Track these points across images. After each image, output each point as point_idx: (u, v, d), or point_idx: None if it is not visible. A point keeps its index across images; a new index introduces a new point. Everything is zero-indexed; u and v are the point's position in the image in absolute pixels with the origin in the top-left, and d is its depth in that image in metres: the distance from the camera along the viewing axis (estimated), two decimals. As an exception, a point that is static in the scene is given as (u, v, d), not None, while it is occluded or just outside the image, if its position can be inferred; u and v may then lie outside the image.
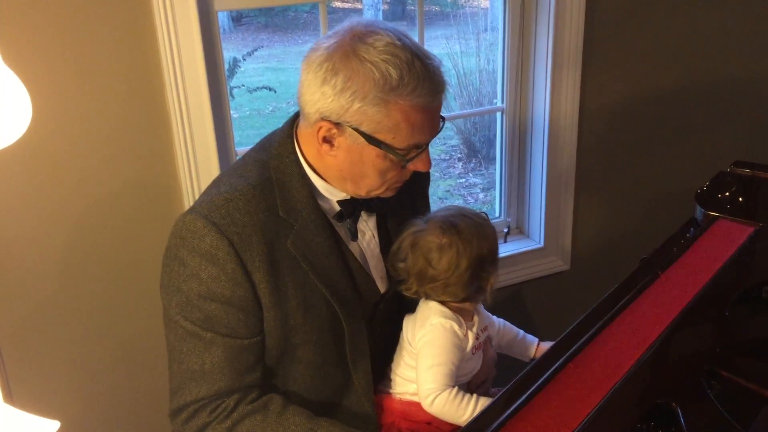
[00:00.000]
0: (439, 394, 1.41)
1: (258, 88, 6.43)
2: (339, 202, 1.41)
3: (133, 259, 1.87)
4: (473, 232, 1.42)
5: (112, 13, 1.66)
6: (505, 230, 2.54)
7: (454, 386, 1.42)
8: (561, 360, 1.26)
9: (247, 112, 6.21)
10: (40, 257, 1.77)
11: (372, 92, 1.22)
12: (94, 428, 1.99)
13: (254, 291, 1.33)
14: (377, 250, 1.52)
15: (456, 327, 1.44)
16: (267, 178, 1.36)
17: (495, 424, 1.13)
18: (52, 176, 1.72)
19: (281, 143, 1.39)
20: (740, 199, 1.84)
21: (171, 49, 1.73)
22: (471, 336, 1.46)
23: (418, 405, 1.47)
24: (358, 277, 1.46)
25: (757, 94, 2.68)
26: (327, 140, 1.30)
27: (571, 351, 1.28)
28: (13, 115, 1.08)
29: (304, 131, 1.36)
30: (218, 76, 1.88)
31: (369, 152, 1.29)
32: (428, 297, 1.47)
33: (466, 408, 1.41)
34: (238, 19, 8.25)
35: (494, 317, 1.65)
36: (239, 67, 6.30)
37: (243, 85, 6.44)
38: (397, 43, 1.24)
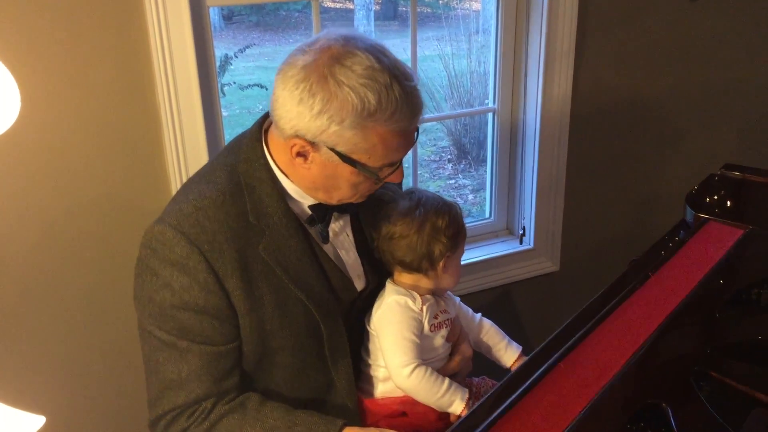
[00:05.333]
0: (416, 367, 1.42)
1: (249, 85, 6.41)
2: (310, 207, 1.39)
3: (120, 256, 1.86)
4: (433, 205, 1.48)
5: (103, 8, 1.65)
6: (520, 232, 2.54)
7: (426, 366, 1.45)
8: (551, 359, 1.26)
9: (237, 111, 6.20)
10: (26, 253, 1.75)
11: (349, 117, 1.21)
12: (80, 424, 1.98)
13: (228, 298, 1.32)
14: (353, 248, 1.51)
15: (410, 302, 1.47)
16: (236, 183, 1.34)
17: (485, 423, 1.12)
18: (40, 172, 1.70)
19: (250, 146, 1.37)
20: (730, 201, 1.84)
21: (162, 45, 1.72)
22: (426, 310, 1.48)
23: (394, 399, 1.49)
24: (333, 279, 1.45)
25: (748, 97, 2.70)
26: (301, 155, 1.29)
27: (561, 351, 1.28)
28: (1, 108, 1.07)
29: (276, 139, 1.34)
30: (209, 72, 1.87)
31: (343, 169, 1.29)
32: (389, 264, 1.51)
33: (441, 387, 1.43)
34: (229, 17, 8.23)
35: (477, 315, 1.65)
36: (230, 64, 6.29)
37: (234, 83, 6.42)
38: (376, 65, 1.21)
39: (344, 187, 1.34)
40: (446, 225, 1.47)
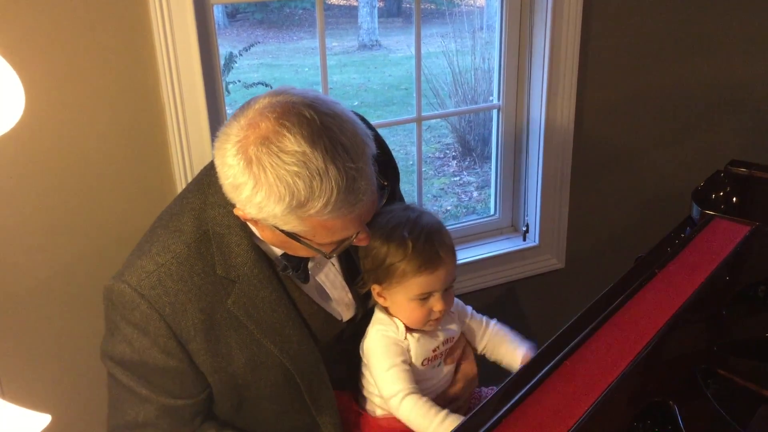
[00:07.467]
0: (407, 395, 1.38)
1: (254, 83, 6.42)
2: (282, 255, 1.31)
3: (126, 254, 1.85)
4: (387, 234, 1.38)
5: (107, 7, 1.65)
6: (523, 229, 2.51)
7: (422, 395, 1.40)
8: (557, 358, 1.25)
9: (242, 109, 6.18)
10: (31, 252, 1.75)
11: (278, 208, 1.11)
12: (85, 422, 1.97)
13: (190, 360, 1.28)
14: (339, 276, 1.45)
15: (392, 332, 1.43)
16: (204, 232, 1.28)
17: (491, 422, 1.12)
18: (44, 170, 1.70)
19: (219, 190, 1.22)
20: (736, 198, 1.83)
21: (166, 43, 1.71)
22: (412, 340, 1.43)
23: (392, 419, 1.45)
24: (315, 323, 1.39)
25: (753, 93, 2.68)
26: (249, 220, 1.22)
27: (567, 349, 1.27)
28: (5, 106, 1.07)
29: None
30: (214, 70, 1.87)
31: (293, 242, 1.21)
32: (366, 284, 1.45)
33: (433, 418, 1.36)
34: (233, 14, 8.24)
35: (484, 318, 1.60)
36: (235, 62, 6.29)
37: (239, 81, 6.43)
38: (308, 150, 1.08)
39: (303, 252, 1.26)
40: (385, 252, 1.36)
